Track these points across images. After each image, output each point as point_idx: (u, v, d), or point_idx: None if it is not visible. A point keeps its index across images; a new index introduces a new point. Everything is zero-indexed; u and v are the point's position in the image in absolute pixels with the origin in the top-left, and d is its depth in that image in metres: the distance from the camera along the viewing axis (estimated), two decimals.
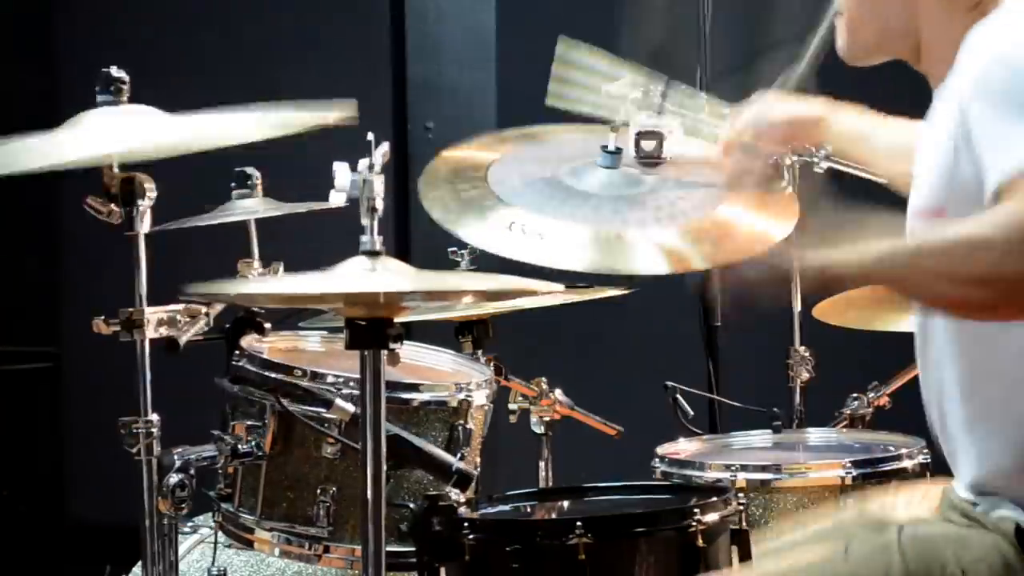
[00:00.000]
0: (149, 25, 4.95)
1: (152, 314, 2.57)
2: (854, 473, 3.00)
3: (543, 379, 3.43)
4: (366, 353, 2.14)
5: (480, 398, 2.90)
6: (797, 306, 3.61)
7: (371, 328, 2.11)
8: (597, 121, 2.80)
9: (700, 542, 2.38)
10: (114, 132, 2.50)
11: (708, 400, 4.04)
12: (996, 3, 2.26)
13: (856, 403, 3.61)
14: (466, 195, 2.76)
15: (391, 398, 2.32)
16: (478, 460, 2.93)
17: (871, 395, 3.61)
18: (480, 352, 3.35)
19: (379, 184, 2.13)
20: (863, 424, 3.60)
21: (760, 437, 3.37)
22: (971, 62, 2.15)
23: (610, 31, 5.02)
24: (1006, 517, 2.23)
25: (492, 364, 3.23)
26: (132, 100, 2.52)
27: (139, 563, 2.66)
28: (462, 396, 2.86)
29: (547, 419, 3.43)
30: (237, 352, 2.82)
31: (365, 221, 2.13)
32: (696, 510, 2.40)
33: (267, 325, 2.83)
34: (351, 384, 2.71)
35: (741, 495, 2.53)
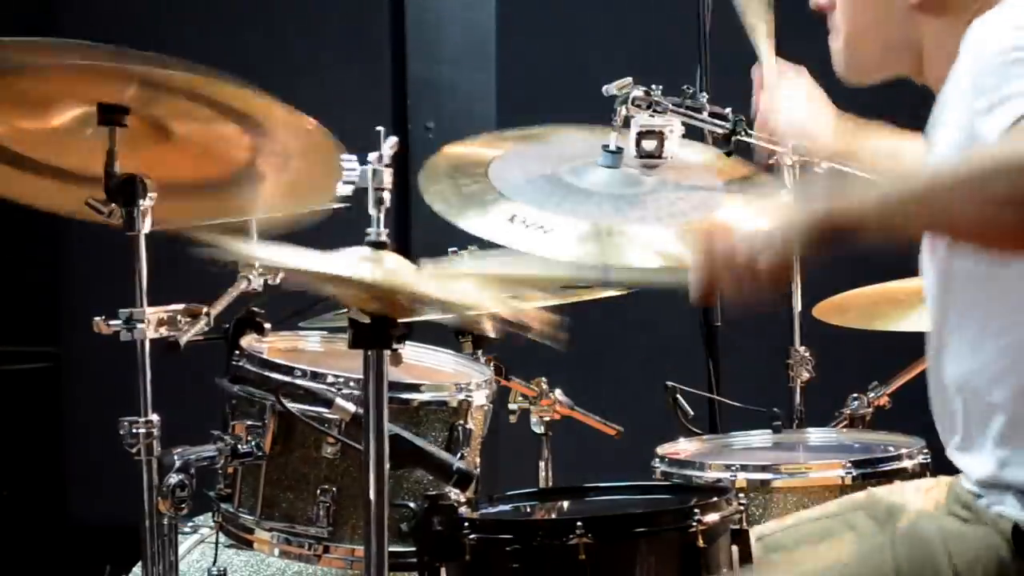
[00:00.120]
0: (150, 25, 4.95)
1: (152, 314, 2.58)
2: (854, 473, 3.00)
3: (543, 379, 3.43)
4: (369, 353, 2.14)
5: (480, 398, 2.90)
6: (797, 306, 3.61)
7: (374, 328, 2.11)
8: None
9: (700, 542, 2.38)
10: None
11: (708, 400, 4.03)
12: (993, 7, 2.24)
13: (856, 403, 3.61)
14: (467, 190, 2.77)
15: (391, 398, 2.31)
16: (478, 460, 2.93)
17: (871, 395, 3.61)
18: (480, 352, 3.35)
19: (387, 176, 2.13)
20: (863, 424, 3.60)
21: (760, 437, 3.37)
22: (971, 56, 2.13)
23: (610, 31, 5.04)
24: (1006, 515, 2.23)
25: (492, 364, 3.24)
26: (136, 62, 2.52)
27: (139, 563, 2.66)
28: (462, 396, 2.86)
29: (547, 419, 3.43)
30: (237, 352, 2.82)
31: (372, 212, 2.13)
32: (696, 510, 2.40)
33: (267, 325, 2.84)
34: (351, 384, 2.72)
35: (741, 495, 2.53)
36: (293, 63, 4.87)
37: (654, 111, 2.82)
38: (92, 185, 2.59)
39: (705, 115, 3.02)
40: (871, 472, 3.00)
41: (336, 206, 2.26)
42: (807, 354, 3.64)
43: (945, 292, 2.27)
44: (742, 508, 2.47)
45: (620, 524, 2.42)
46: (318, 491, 2.77)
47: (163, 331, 2.60)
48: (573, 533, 2.33)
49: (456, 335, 3.40)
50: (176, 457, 2.59)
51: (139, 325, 2.56)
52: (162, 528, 2.58)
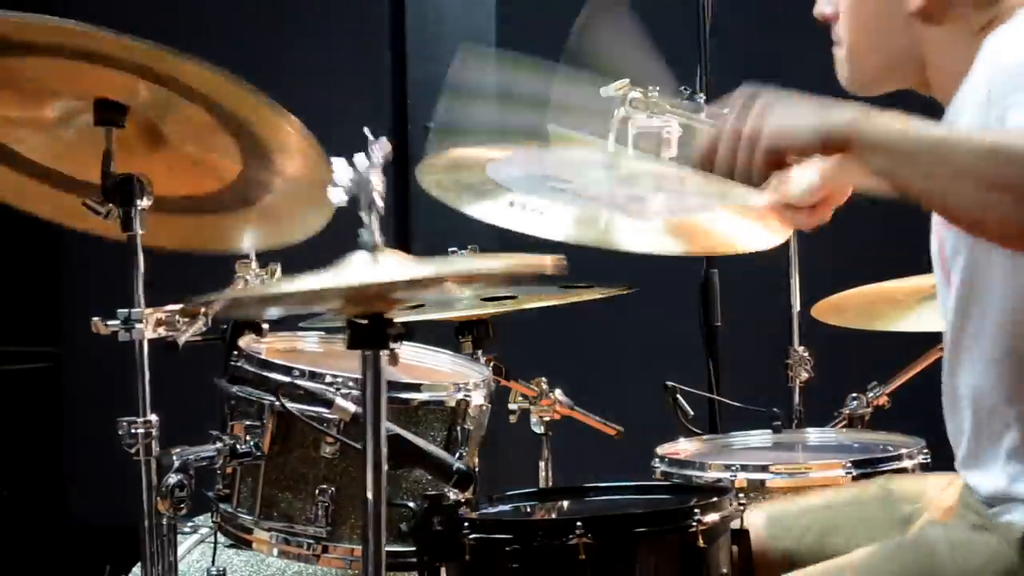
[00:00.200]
0: (150, 25, 4.95)
1: (151, 314, 2.57)
2: (854, 473, 3.00)
3: (543, 379, 3.43)
4: (367, 353, 2.14)
5: (479, 398, 2.90)
6: (797, 306, 3.61)
7: (372, 327, 2.11)
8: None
9: (700, 542, 2.38)
10: None
11: (708, 400, 4.04)
12: (1002, 21, 2.21)
13: (855, 403, 3.61)
14: (465, 181, 2.78)
15: (390, 398, 2.31)
16: (477, 460, 2.93)
17: (870, 395, 3.61)
18: (480, 352, 3.36)
19: (377, 179, 2.11)
20: (862, 424, 3.60)
21: (760, 437, 3.37)
22: (988, 67, 2.12)
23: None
24: (1016, 524, 2.23)
25: (492, 364, 3.24)
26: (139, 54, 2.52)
27: (139, 563, 2.66)
28: (461, 396, 2.86)
29: (547, 419, 3.43)
30: (235, 352, 2.82)
31: (365, 217, 2.12)
32: (696, 510, 2.40)
33: (265, 326, 2.83)
34: (350, 384, 2.71)
35: (741, 495, 2.53)
36: (293, 63, 4.87)
37: (652, 112, 2.82)
38: (89, 191, 2.59)
39: (703, 116, 3.01)
40: (871, 472, 3.00)
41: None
42: (806, 354, 3.65)
43: (965, 305, 2.26)
44: (742, 508, 2.47)
45: (620, 524, 2.42)
46: (317, 491, 2.77)
47: (161, 331, 2.60)
48: (573, 533, 2.33)
49: (456, 335, 3.40)
50: (175, 457, 2.59)
51: (137, 325, 2.55)
52: (161, 528, 2.58)
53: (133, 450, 2.55)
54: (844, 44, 2.35)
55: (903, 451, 3.08)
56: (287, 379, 2.74)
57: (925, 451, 3.07)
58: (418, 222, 4.74)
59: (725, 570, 2.42)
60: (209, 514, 3.09)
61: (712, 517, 2.41)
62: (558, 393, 3.44)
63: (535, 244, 4.11)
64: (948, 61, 2.25)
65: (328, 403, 2.68)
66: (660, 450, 3.17)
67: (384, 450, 2.11)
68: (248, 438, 2.77)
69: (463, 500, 2.54)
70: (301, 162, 2.58)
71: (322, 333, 3.13)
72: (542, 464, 3.46)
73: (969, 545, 2.26)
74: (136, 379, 2.55)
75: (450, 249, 3.40)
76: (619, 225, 2.67)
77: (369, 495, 2.11)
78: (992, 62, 2.12)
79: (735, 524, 2.45)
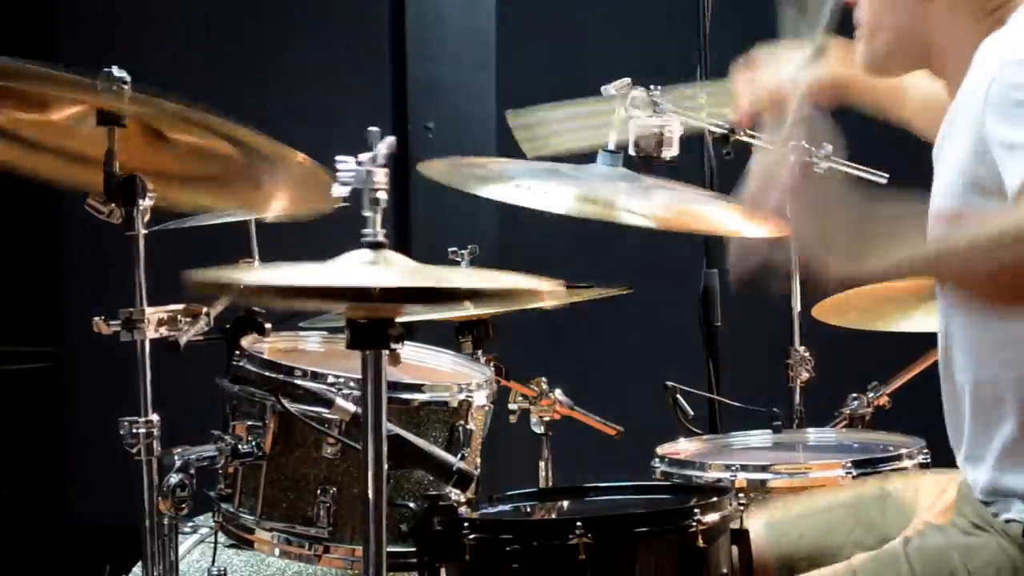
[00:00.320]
0: (150, 25, 4.95)
1: (152, 314, 2.57)
2: (854, 473, 2.99)
3: (543, 379, 3.43)
4: (367, 353, 2.14)
5: (480, 398, 2.90)
6: (797, 306, 3.61)
7: (372, 328, 2.11)
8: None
9: (700, 542, 2.38)
10: None
11: (708, 400, 4.04)
12: (1012, 9, 2.25)
13: (856, 403, 3.61)
14: (467, 172, 2.78)
15: (391, 398, 2.31)
16: (478, 460, 2.93)
17: (871, 395, 3.62)
18: (480, 352, 3.36)
19: (382, 176, 2.12)
20: (863, 424, 3.60)
21: (760, 437, 3.37)
22: (984, 70, 2.15)
23: (610, 31, 5.04)
24: (1016, 520, 2.24)
25: (492, 364, 3.24)
26: (132, 100, 2.52)
27: (139, 563, 2.66)
28: (462, 396, 2.86)
29: (547, 419, 3.43)
30: (237, 352, 2.82)
31: (368, 213, 2.12)
32: (696, 510, 2.40)
33: (267, 325, 2.83)
34: (351, 384, 2.72)
35: (741, 495, 2.53)
36: (293, 63, 4.87)
37: (653, 111, 2.82)
38: (95, 167, 2.58)
39: (704, 115, 3.02)
40: (871, 472, 3.00)
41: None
42: (807, 354, 3.64)
43: (959, 303, 2.27)
44: (742, 508, 2.47)
45: (620, 524, 2.42)
46: (318, 491, 2.77)
47: (163, 331, 2.60)
48: (573, 533, 2.33)
49: (456, 335, 3.40)
50: (176, 457, 2.59)
51: (139, 325, 2.55)
52: (162, 528, 2.58)
53: (134, 450, 2.55)
54: (862, 24, 2.41)
55: (903, 451, 3.08)
56: (288, 379, 2.74)
57: (925, 451, 3.07)
58: (418, 222, 4.74)
59: (725, 570, 2.42)
60: (209, 514, 3.09)
61: (712, 517, 2.41)
62: (558, 393, 3.44)
63: (535, 244, 4.12)
64: (954, 44, 2.30)
65: (329, 403, 2.68)
66: (660, 450, 3.17)
67: (385, 450, 2.12)
68: (250, 438, 2.77)
69: (463, 500, 2.54)
70: (294, 171, 2.58)
71: (324, 333, 3.13)
72: (542, 464, 3.46)
73: (972, 545, 2.26)
74: (137, 379, 2.55)
75: (450, 249, 3.41)
76: (621, 202, 2.68)
77: (370, 495, 2.11)
78: (986, 69, 2.15)
79: (735, 524, 2.46)
